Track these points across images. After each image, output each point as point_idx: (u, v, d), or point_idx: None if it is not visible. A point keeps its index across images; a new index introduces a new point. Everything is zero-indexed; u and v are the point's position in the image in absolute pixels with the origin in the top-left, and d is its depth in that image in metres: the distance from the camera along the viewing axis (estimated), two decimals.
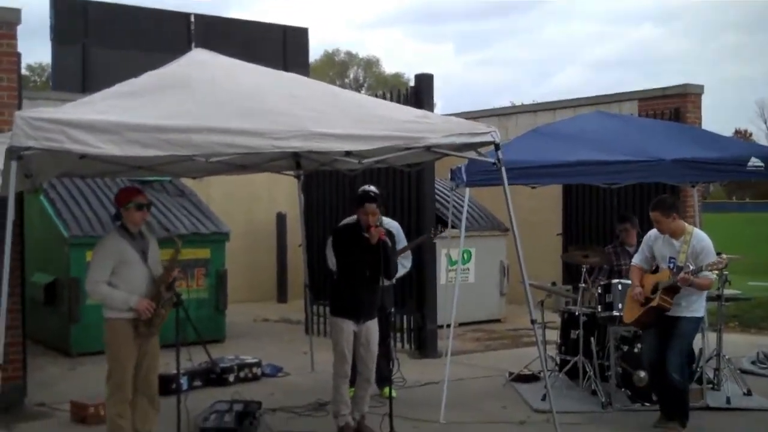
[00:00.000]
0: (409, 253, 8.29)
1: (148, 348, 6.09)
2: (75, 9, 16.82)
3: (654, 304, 6.90)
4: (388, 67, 64.65)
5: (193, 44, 16.67)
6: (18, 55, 7.96)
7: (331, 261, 7.32)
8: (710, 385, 8.09)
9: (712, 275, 6.96)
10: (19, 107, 7.85)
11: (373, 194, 6.87)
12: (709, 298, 7.61)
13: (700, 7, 79.32)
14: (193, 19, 17.96)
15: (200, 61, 6.90)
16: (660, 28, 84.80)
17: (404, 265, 8.19)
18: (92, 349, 9.42)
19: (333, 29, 78.23)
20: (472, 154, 7.01)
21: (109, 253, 5.97)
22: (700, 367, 7.95)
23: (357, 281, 6.71)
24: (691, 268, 6.76)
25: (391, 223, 8.02)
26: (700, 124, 12.55)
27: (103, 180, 11.33)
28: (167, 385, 7.72)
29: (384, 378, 7.54)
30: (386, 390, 7.28)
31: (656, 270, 7.15)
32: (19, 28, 7.90)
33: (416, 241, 8.55)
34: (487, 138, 6.64)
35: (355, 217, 6.93)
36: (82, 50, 16.76)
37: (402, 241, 8.11)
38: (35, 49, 67.67)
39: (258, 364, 9.19)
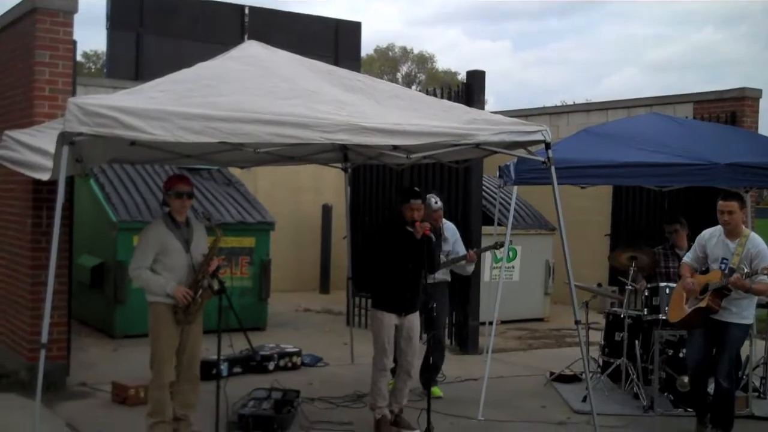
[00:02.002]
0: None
1: (191, 334, 6.15)
2: None
3: (703, 305, 6.77)
4: (443, 64, 64.29)
5: (246, 36, 16.79)
6: (74, 43, 8.07)
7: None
8: (756, 394, 7.94)
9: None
10: (74, 93, 7.97)
11: (417, 190, 6.88)
12: (759, 305, 7.46)
13: (765, 10, 77.72)
14: (247, 11, 18.08)
15: (253, 53, 6.94)
16: (722, 31, 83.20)
17: (467, 270, 8.21)
18: (135, 332, 9.54)
19: (390, 24, 78.23)
20: (521, 152, 6.96)
21: (151, 240, 6.07)
22: (746, 375, 7.81)
23: (400, 274, 6.70)
24: (746, 270, 6.61)
25: (447, 225, 8.05)
26: (756, 128, 12.30)
27: (152, 166, 11.47)
28: (207, 371, 7.76)
29: (432, 376, 7.50)
30: (436, 390, 7.24)
31: (706, 271, 7.02)
32: (76, 16, 8.03)
33: (484, 248, 8.48)
34: (538, 136, 6.59)
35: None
36: (137, 39, 16.97)
37: (458, 242, 8.10)
38: (91, 36, 68.91)
39: (298, 354, 9.23)
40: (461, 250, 8.05)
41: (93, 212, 10.94)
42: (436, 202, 7.80)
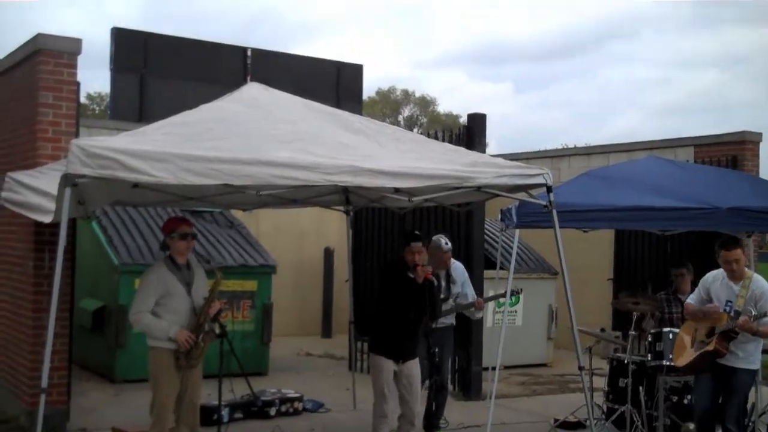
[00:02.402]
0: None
1: (191, 378, 6.10)
2: (135, 40, 17.20)
3: (710, 348, 6.72)
4: (445, 106, 64.69)
5: (248, 77, 16.90)
6: (77, 84, 8.12)
7: None
8: None
9: None
10: (77, 135, 7.99)
11: (418, 233, 6.87)
12: (765, 351, 7.40)
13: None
14: (249, 53, 18.24)
15: (254, 94, 7.00)
16: (726, 73, 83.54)
17: (476, 316, 8.32)
18: (137, 377, 9.45)
19: (394, 67, 78.87)
20: (523, 196, 6.97)
21: (153, 284, 6.04)
22: (752, 422, 7.72)
23: (400, 320, 6.65)
24: (754, 313, 6.57)
25: (456, 265, 8.07)
26: (757, 172, 12.33)
27: (155, 209, 11.47)
28: (209, 416, 7.69)
29: (434, 424, 7.42)
30: None
31: None
32: (80, 58, 8.07)
33: (493, 296, 8.47)
34: (539, 180, 6.60)
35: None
36: (140, 80, 17.11)
37: (467, 282, 8.09)
38: (95, 77, 69.43)
39: (300, 399, 9.15)
40: (470, 291, 8.06)
41: (95, 255, 10.92)
42: (446, 243, 7.81)
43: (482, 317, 8.53)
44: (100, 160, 5.21)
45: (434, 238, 7.86)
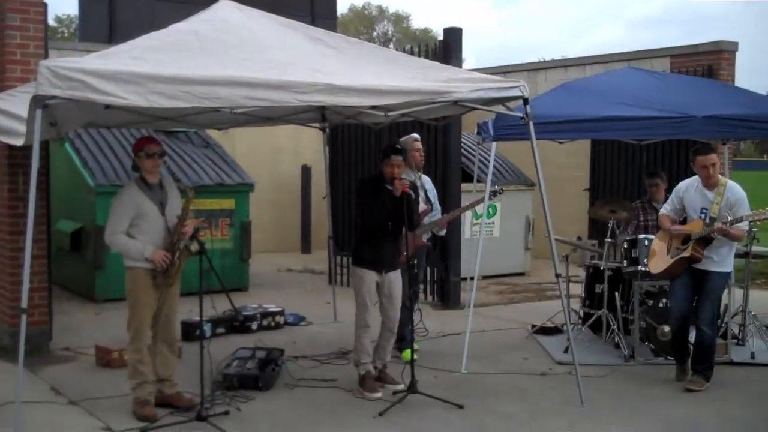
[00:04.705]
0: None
1: (168, 296, 6.15)
2: None
3: (686, 254, 6.85)
4: (419, 23, 63.90)
5: None
6: (45, 5, 7.94)
7: None
8: (735, 341, 8.05)
9: (746, 226, 6.90)
10: (46, 57, 7.83)
11: (399, 147, 6.87)
12: (737, 255, 7.55)
13: None
14: None
15: (226, 13, 6.84)
16: None
17: (440, 233, 8.33)
18: (116, 296, 9.51)
19: None
20: (499, 109, 6.96)
21: (126, 205, 6.01)
22: (725, 323, 7.92)
23: (379, 232, 6.71)
24: (730, 218, 6.69)
25: (425, 179, 8.10)
26: (733, 81, 12.35)
27: (129, 130, 11.37)
28: (191, 332, 7.81)
29: (406, 340, 7.51)
30: (406, 352, 7.27)
31: (684, 221, 7.09)
32: None
33: (471, 204, 8.50)
34: (516, 92, 6.59)
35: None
36: (109, 1, 16.73)
37: (435, 198, 8.14)
38: (63, 0, 67.70)
39: (281, 313, 9.26)
40: (438, 207, 8.15)
41: (70, 177, 10.86)
42: (417, 137, 7.96)
43: (454, 228, 8.56)
44: (70, 81, 5.13)
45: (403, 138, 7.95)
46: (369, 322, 6.75)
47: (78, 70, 5.19)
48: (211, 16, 6.80)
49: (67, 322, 9.08)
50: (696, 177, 7.04)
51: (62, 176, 10.69)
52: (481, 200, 8.01)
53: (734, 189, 6.92)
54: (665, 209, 7.27)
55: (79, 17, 18.30)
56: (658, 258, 7.16)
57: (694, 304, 7.02)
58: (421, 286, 9.41)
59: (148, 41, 6.12)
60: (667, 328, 7.45)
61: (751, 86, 10.26)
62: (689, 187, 7.08)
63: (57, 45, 14.12)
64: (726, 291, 7.72)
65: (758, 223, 7.00)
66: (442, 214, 8.20)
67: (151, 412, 6.02)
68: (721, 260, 6.92)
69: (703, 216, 6.90)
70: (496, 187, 8.22)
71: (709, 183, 6.91)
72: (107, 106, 5.57)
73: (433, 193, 8.15)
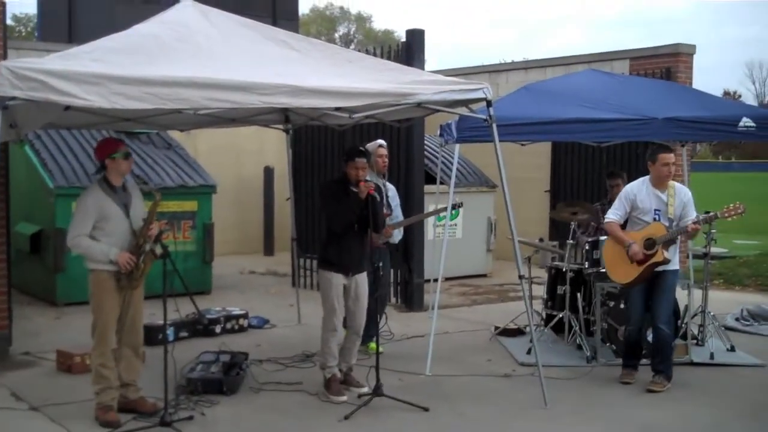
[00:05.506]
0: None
1: (132, 299, 6.09)
2: None
3: (659, 259, 6.90)
4: (381, 24, 64.05)
5: None
6: (3, 5, 7.83)
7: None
8: (695, 341, 8.16)
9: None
10: (5, 57, 7.74)
11: (362, 149, 6.88)
12: (696, 256, 7.67)
13: None
14: None
15: (188, 14, 6.79)
16: None
17: (395, 239, 8.28)
18: (78, 299, 9.40)
19: None
20: (463, 111, 7.00)
21: (90, 207, 5.93)
22: (685, 323, 8.02)
23: (346, 235, 6.70)
24: (701, 217, 6.89)
25: (389, 186, 8.12)
26: (691, 83, 12.54)
27: (89, 131, 11.25)
28: (154, 336, 7.73)
29: (370, 334, 7.54)
30: (372, 345, 7.30)
31: (624, 226, 7.19)
32: None
33: (429, 213, 8.52)
34: (479, 94, 6.63)
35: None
36: (68, 0, 16.54)
37: (398, 206, 8.20)
38: None
39: (245, 316, 9.21)
40: (400, 216, 8.19)
41: (30, 179, 10.72)
42: (382, 143, 8.02)
43: (417, 229, 8.57)
44: (31, 82, 5.06)
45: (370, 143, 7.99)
46: (337, 326, 6.75)
47: (39, 70, 5.12)
48: (172, 17, 6.74)
49: (28, 327, 8.96)
50: (643, 179, 7.16)
51: (21, 178, 10.55)
52: (443, 209, 8.07)
53: (683, 189, 7.14)
54: (615, 215, 7.18)
55: (38, 16, 18.09)
56: (625, 266, 7.08)
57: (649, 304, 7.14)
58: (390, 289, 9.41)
59: (109, 43, 6.05)
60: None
61: (708, 90, 10.45)
62: (639, 189, 7.16)
63: (16, 44, 13.90)
64: (686, 292, 7.85)
65: (715, 222, 7.19)
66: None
67: (115, 417, 5.96)
68: (673, 258, 7.08)
69: (657, 217, 7.00)
70: (456, 200, 8.24)
71: (663, 183, 7.03)
72: (67, 107, 5.50)
73: (396, 201, 8.17)
